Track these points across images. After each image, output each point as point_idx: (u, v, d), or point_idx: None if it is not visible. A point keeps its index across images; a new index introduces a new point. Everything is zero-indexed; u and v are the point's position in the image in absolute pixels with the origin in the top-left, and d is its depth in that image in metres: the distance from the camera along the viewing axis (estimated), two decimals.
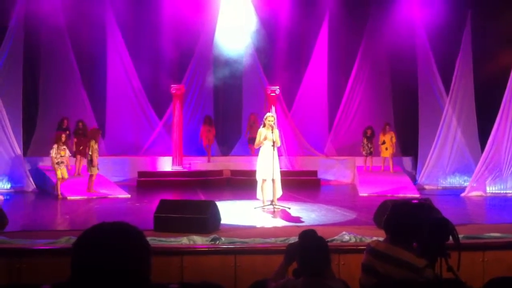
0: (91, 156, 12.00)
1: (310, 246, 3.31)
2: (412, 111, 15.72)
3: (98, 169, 12.08)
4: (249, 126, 15.65)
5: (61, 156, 11.78)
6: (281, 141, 12.52)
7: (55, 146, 11.85)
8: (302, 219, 8.87)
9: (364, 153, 15.26)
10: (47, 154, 14.25)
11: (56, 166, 11.73)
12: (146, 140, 16.01)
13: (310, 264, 3.25)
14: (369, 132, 15.22)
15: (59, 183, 11.76)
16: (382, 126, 15.15)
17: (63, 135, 12.17)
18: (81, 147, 13.66)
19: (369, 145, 15.14)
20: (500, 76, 13.33)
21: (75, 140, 14.00)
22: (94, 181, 12.13)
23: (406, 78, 15.73)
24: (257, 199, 10.11)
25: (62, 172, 11.75)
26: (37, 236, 6.73)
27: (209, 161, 15.59)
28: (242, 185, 13.57)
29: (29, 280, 5.55)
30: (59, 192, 11.68)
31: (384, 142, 14.85)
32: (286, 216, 9.19)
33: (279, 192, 9.90)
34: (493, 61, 13.99)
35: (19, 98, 13.89)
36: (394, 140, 14.88)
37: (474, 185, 12.98)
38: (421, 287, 3.17)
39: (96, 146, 12.09)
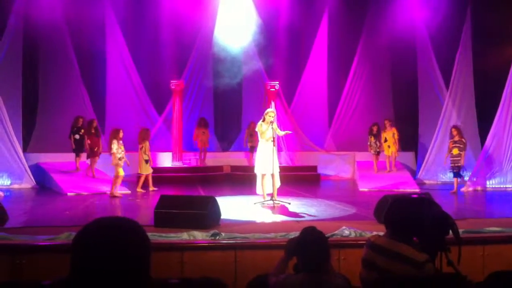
0: (147, 155, 12.01)
1: (310, 241, 3.32)
2: (412, 106, 15.71)
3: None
4: (248, 135, 15.53)
5: (122, 151, 11.32)
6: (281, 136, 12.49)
7: (115, 141, 11.16)
8: (302, 214, 8.87)
9: (372, 152, 14.32)
10: (47, 150, 14.32)
11: (119, 162, 11.18)
12: None
13: (310, 259, 3.26)
14: (375, 129, 14.29)
15: (115, 181, 11.27)
16: (382, 122, 14.39)
17: (121, 130, 11.55)
18: (96, 148, 12.94)
19: (377, 143, 14.20)
20: (500, 71, 13.32)
21: (88, 141, 12.96)
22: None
23: (406, 73, 15.72)
24: (257, 194, 10.13)
25: (120, 170, 11.25)
26: (37, 232, 6.72)
27: (202, 164, 15.46)
28: (242, 180, 13.58)
29: (29, 276, 5.55)
30: (113, 190, 11.21)
31: (386, 140, 14.09)
32: (286, 211, 9.19)
33: (278, 183, 9.91)
34: (493, 56, 13.99)
35: (19, 94, 13.92)
36: (396, 137, 13.94)
37: (474, 179, 13.00)
38: (421, 281, 3.17)
39: (148, 146, 12.17)
